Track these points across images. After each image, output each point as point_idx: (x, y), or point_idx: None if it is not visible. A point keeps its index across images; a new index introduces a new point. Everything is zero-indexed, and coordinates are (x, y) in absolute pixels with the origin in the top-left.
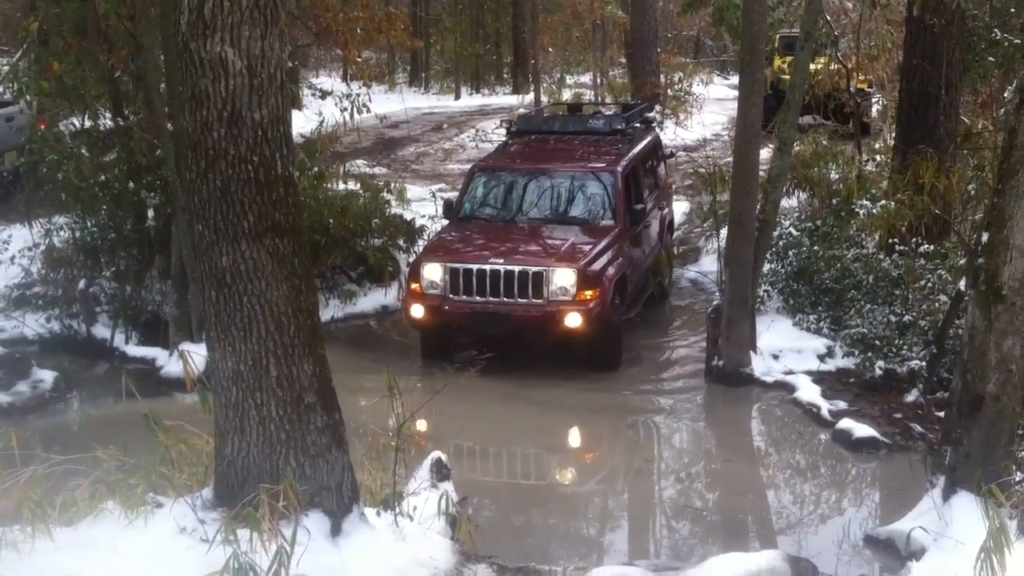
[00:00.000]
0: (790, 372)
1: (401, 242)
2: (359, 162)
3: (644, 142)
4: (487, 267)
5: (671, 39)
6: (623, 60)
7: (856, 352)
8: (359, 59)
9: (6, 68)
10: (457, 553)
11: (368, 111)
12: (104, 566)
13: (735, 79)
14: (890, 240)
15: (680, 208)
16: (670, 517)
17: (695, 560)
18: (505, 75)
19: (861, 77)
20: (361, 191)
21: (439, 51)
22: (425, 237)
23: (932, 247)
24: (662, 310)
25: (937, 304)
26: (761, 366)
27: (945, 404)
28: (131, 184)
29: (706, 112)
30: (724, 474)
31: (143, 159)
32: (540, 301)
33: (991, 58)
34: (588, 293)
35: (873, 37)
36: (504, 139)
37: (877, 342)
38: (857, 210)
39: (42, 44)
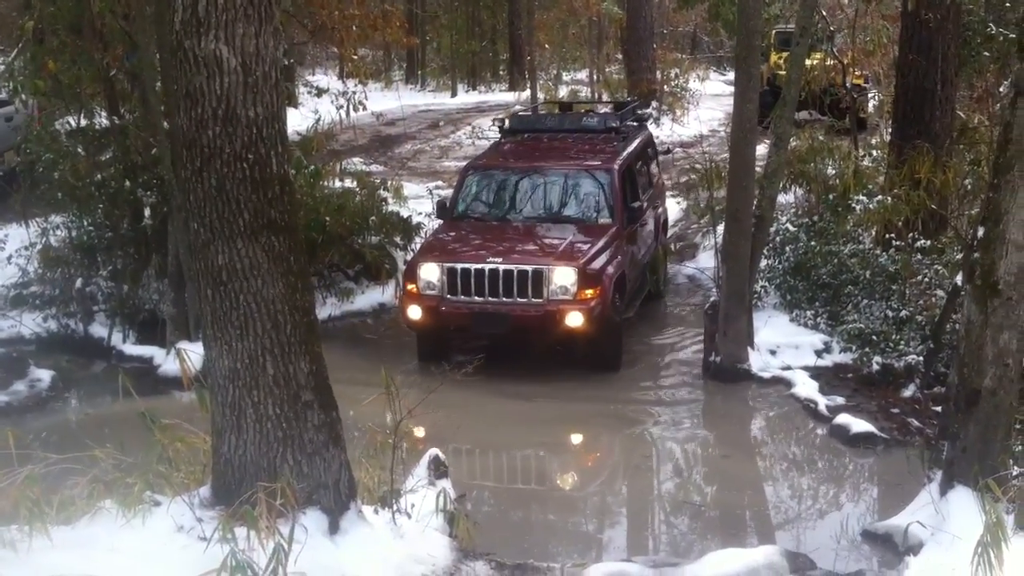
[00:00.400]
0: (787, 368)
1: (398, 240)
2: (356, 160)
3: (638, 140)
4: (485, 267)
5: (667, 35)
6: (619, 56)
7: (853, 347)
8: (355, 57)
9: (2, 67)
10: (455, 550)
11: (364, 109)
12: (102, 565)
13: (731, 75)
14: (887, 235)
15: (677, 205)
16: (668, 513)
17: (693, 556)
18: (501, 72)
19: (857, 72)
20: (358, 189)
21: (435, 48)
22: (422, 234)
23: (929, 242)
24: (658, 307)
25: (934, 299)
26: (758, 362)
27: (942, 399)
28: (127, 183)
29: (702, 108)
30: (722, 470)
31: (139, 158)
32: (540, 300)
33: (986, 53)
34: (588, 292)
35: (869, 32)
36: (497, 138)
37: (874, 337)
38: (854, 205)
39: (37, 43)
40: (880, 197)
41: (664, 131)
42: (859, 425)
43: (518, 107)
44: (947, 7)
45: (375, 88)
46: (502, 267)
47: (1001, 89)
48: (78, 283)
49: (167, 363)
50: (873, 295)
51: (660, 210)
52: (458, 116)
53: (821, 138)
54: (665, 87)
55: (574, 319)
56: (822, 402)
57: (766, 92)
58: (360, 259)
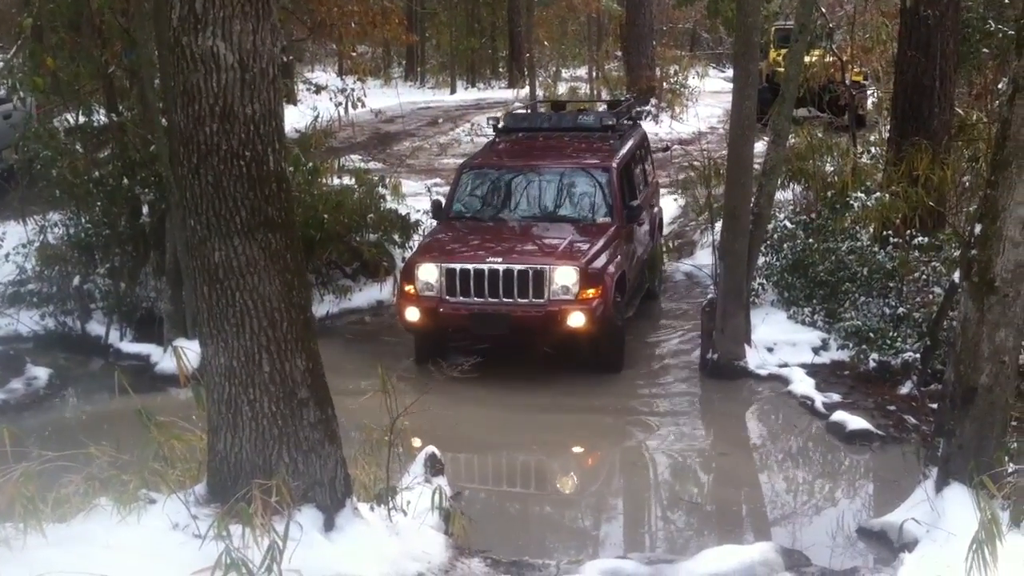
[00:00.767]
0: (785, 365)
1: (396, 237)
2: (354, 157)
3: (634, 138)
4: (485, 267)
5: (667, 32)
6: (619, 54)
7: (850, 344)
8: (354, 54)
9: (1, 64)
10: (451, 547)
11: (363, 106)
12: (97, 562)
13: (731, 72)
14: (884, 232)
15: (675, 202)
16: (665, 510)
17: (690, 553)
18: (501, 69)
19: (856, 69)
20: (356, 186)
21: (435, 45)
22: (421, 231)
23: (926, 239)
24: (656, 304)
25: (931, 296)
26: (756, 359)
27: (938, 396)
28: (125, 180)
29: (702, 105)
30: (719, 467)
31: (137, 155)
32: (541, 301)
33: (985, 49)
34: (590, 292)
35: (868, 29)
36: (492, 137)
37: (871, 334)
38: (852, 202)
39: (36, 40)
40: (878, 194)
41: (663, 128)
42: (855, 422)
43: (517, 104)
44: (946, 4)
45: (374, 85)
46: (502, 267)
47: (1000, 86)
48: (76, 281)
49: (164, 361)
50: (871, 292)
51: (656, 209)
52: (457, 113)
53: (820, 135)
54: (664, 84)
55: (576, 319)
56: (819, 399)
57: (765, 89)
58: (358, 257)
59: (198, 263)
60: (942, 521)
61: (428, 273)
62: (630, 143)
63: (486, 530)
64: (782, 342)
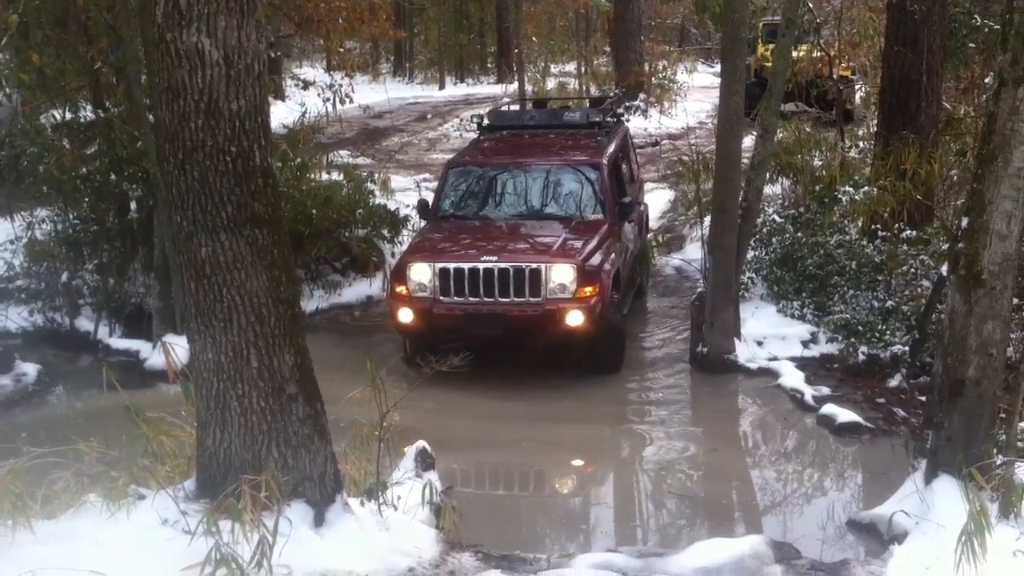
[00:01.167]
0: (774, 358)
1: (385, 232)
2: (343, 153)
3: (620, 135)
4: (479, 265)
5: (655, 27)
6: (607, 49)
7: (839, 338)
8: (341, 49)
9: None
10: (441, 542)
11: (351, 101)
12: (86, 558)
13: (719, 67)
14: (873, 226)
15: (665, 196)
16: (655, 505)
17: (680, 546)
18: (489, 65)
19: (844, 64)
20: (344, 182)
21: (423, 41)
22: (410, 227)
23: (914, 233)
24: (643, 299)
25: (920, 289)
26: (745, 353)
27: (927, 388)
28: (113, 176)
29: (690, 100)
30: (709, 460)
31: (124, 151)
32: (538, 300)
33: (972, 44)
34: (588, 290)
35: (855, 24)
36: (476, 135)
37: (860, 328)
38: (840, 196)
39: (22, 36)
40: (866, 188)
41: (652, 123)
42: (845, 415)
43: (506, 99)
44: None
45: (363, 81)
46: (497, 265)
47: (987, 80)
48: (64, 277)
49: (153, 357)
50: (859, 286)
51: (642, 206)
52: (446, 109)
53: (808, 130)
54: (653, 79)
55: (574, 318)
56: (808, 392)
57: (753, 84)
58: (347, 252)
59: (185, 259)
60: (931, 513)
61: (421, 273)
62: (617, 139)
63: (477, 525)
64: (771, 336)
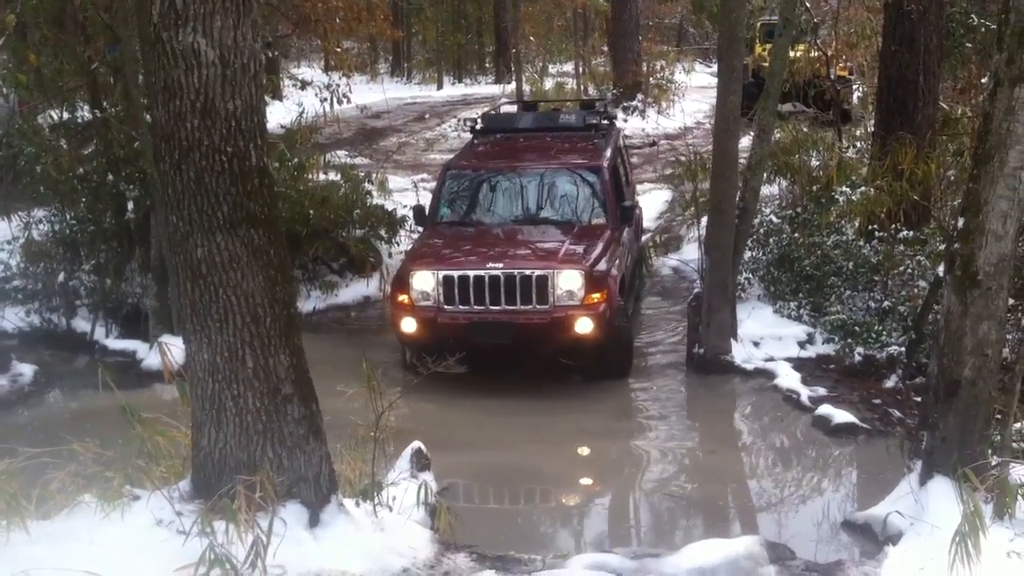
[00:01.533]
0: (771, 359)
1: (383, 232)
2: (340, 153)
3: (615, 137)
4: (485, 273)
5: (653, 27)
6: (605, 49)
7: (836, 338)
8: (338, 49)
9: None
10: (436, 542)
11: (348, 101)
12: (80, 558)
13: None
14: (870, 227)
15: (662, 197)
16: (651, 506)
17: (675, 547)
18: (488, 65)
19: (841, 64)
20: (342, 182)
21: (421, 41)
22: (407, 227)
23: (911, 233)
24: (641, 302)
25: (916, 290)
26: (741, 353)
27: (923, 389)
28: (110, 176)
29: (688, 100)
30: (705, 462)
31: (122, 151)
32: (545, 307)
33: (969, 44)
34: (596, 296)
35: (853, 24)
36: (470, 139)
37: (857, 328)
38: (837, 197)
39: (19, 37)
40: (863, 189)
41: (650, 123)
42: (841, 416)
43: (503, 100)
44: None
45: (360, 81)
46: (503, 272)
47: (983, 80)
48: (61, 277)
49: (150, 357)
50: (856, 286)
51: (637, 210)
52: (444, 109)
53: (805, 130)
54: (651, 79)
55: (583, 325)
56: (804, 393)
57: (751, 84)
58: (344, 252)
59: (180, 259)
60: (926, 514)
61: (424, 281)
62: (613, 142)
63: (473, 526)
64: (768, 336)
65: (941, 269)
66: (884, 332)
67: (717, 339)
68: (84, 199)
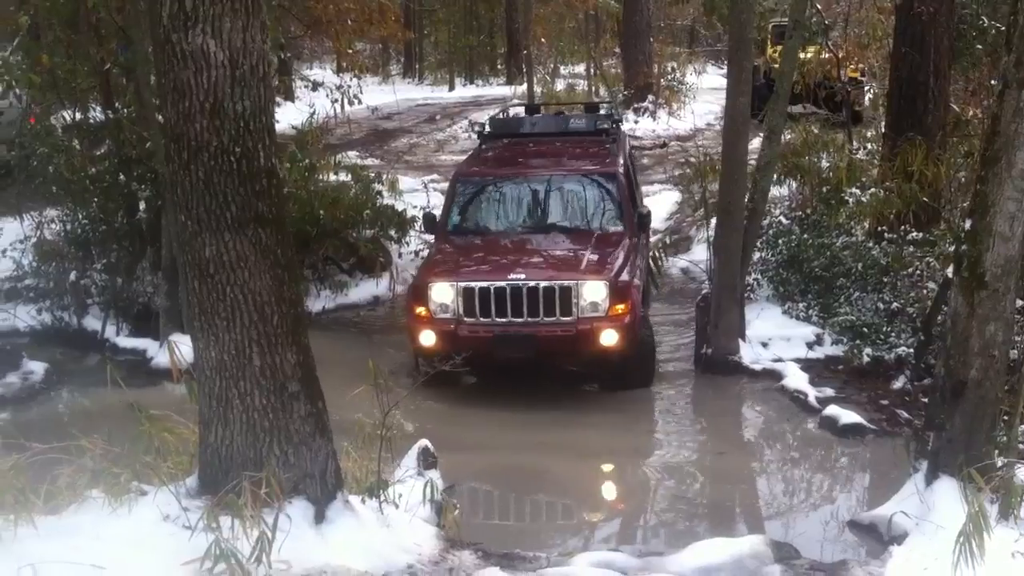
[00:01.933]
0: (779, 360)
1: (392, 233)
2: (351, 153)
3: (624, 142)
4: (507, 284)
5: (664, 29)
6: (617, 50)
7: (844, 339)
8: (350, 51)
9: None
10: (442, 540)
11: (359, 102)
12: (87, 553)
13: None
14: (879, 228)
15: (672, 198)
16: (657, 505)
17: (681, 546)
18: (499, 66)
19: (853, 66)
20: (352, 182)
21: (433, 42)
22: (417, 227)
23: (920, 235)
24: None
25: (925, 291)
26: (750, 354)
27: (930, 390)
28: (122, 177)
29: (699, 102)
30: (711, 462)
31: (133, 152)
32: (569, 319)
33: (980, 46)
34: (620, 307)
35: (864, 26)
36: (478, 144)
37: (865, 329)
38: (847, 198)
39: (33, 38)
40: (873, 190)
41: (660, 125)
42: (848, 416)
43: (515, 101)
44: (939, 0)
45: (372, 82)
46: (526, 284)
47: (993, 82)
48: (72, 276)
49: (160, 355)
50: (865, 287)
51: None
52: (455, 110)
53: (816, 131)
54: (662, 81)
55: (608, 337)
56: (812, 394)
57: (762, 85)
58: (354, 252)
59: (189, 258)
60: (931, 514)
61: (442, 293)
62: (623, 146)
63: (478, 523)
64: (776, 337)
65: (950, 271)
66: (893, 333)
67: (725, 339)
68: (96, 199)
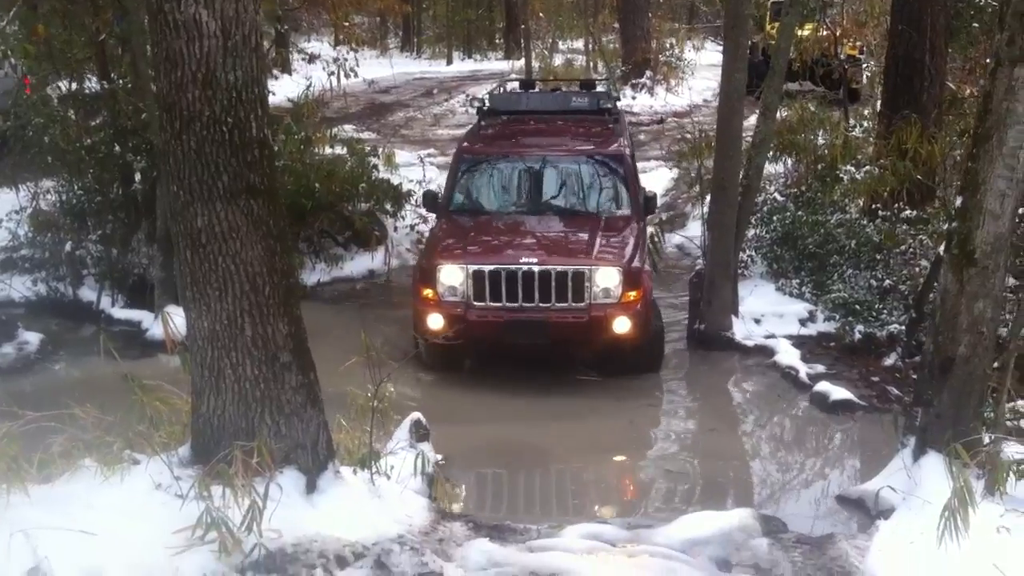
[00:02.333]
0: (771, 336)
1: (388, 207)
2: (347, 127)
3: (624, 121)
4: (519, 268)
5: (664, 4)
6: (615, 26)
7: (837, 316)
8: (347, 23)
9: None
10: (433, 511)
11: (356, 76)
12: (79, 520)
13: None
14: (873, 205)
15: (668, 175)
16: (647, 479)
17: (669, 519)
18: (497, 41)
19: (851, 44)
20: (348, 156)
21: (431, 16)
22: (413, 202)
23: (914, 212)
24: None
25: (918, 269)
26: (742, 330)
27: (919, 366)
28: (117, 148)
29: (698, 78)
30: (703, 437)
31: (129, 123)
32: (581, 305)
33: (976, 24)
34: (632, 294)
35: (863, 3)
36: (477, 120)
37: (858, 306)
38: (841, 176)
39: (29, 8)
40: (868, 168)
41: (658, 101)
42: (838, 393)
43: (513, 75)
44: None
45: (370, 56)
46: (539, 268)
47: (988, 60)
48: (68, 247)
49: (155, 327)
50: (858, 265)
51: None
52: (453, 84)
53: (812, 108)
54: (660, 57)
55: (621, 325)
56: (803, 370)
57: (761, 63)
58: (350, 226)
59: (181, 228)
60: (918, 489)
61: (452, 276)
62: (625, 126)
63: (470, 495)
64: (770, 314)
65: (942, 248)
66: (885, 311)
67: (718, 315)
68: (91, 170)
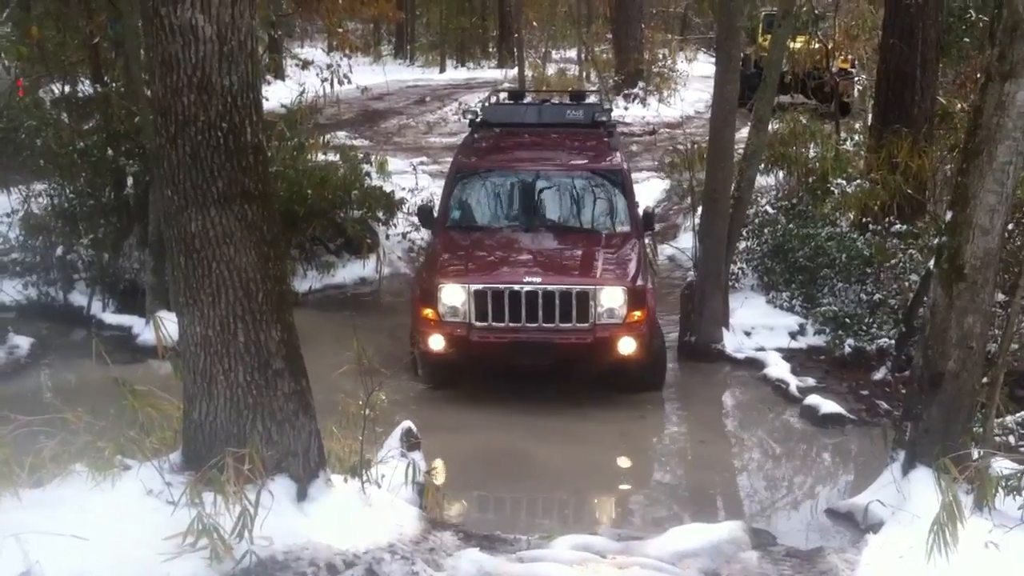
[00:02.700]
0: (761, 349)
1: (380, 214)
2: (340, 134)
3: (617, 134)
4: (522, 287)
5: (657, 15)
6: (608, 36)
7: (827, 330)
8: (341, 30)
9: None
10: (423, 520)
11: (349, 82)
12: (70, 524)
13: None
14: (864, 219)
15: (660, 186)
16: (638, 491)
17: (660, 531)
18: (491, 49)
19: (843, 57)
20: (341, 162)
21: (425, 23)
22: (406, 210)
23: (905, 226)
24: None
25: (908, 283)
26: (733, 342)
27: (908, 380)
28: (110, 151)
29: (691, 89)
30: (693, 449)
31: (122, 126)
32: (585, 326)
33: (967, 39)
34: (637, 314)
35: (854, 16)
36: (470, 132)
37: (848, 320)
38: (832, 189)
39: (23, 9)
40: (858, 181)
41: (650, 111)
42: (828, 406)
43: (506, 84)
44: None
45: (363, 62)
46: (542, 287)
47: (979, 75)
48: (59, 251)
49: (146, 332)
50: (848, 278)
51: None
52: (445, 92)
53: (804, 121)
54: (653, 67)
55: (626, 346)
56: (793, 383)
57: (753, 75)
58: (342, 233)
59: (175, 233)
60: (908, 503)
61: (453, 295)
62: (619, 139)
63: (460, 505)
64: (760, 326)
65: (932, 263)
66: (875, 324)
67: (709, 328)
68: (84, 173)
